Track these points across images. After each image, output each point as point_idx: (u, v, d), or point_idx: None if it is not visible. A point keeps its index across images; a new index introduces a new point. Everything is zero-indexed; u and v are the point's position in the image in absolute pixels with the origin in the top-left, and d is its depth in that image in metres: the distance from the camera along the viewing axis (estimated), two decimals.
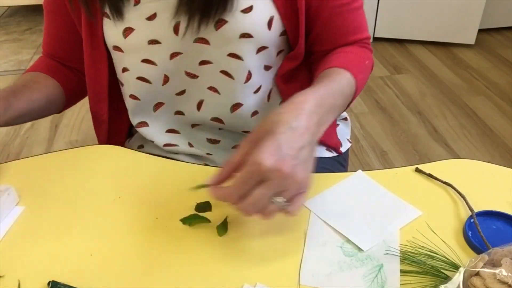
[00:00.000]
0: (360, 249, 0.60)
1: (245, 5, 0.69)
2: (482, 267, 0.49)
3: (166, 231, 0.63)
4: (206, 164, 0.86)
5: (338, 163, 0.89)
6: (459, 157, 1.75)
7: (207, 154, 0.87)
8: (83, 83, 0.86)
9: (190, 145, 0.87)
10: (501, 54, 2.74)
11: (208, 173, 0.72)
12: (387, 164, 1.88)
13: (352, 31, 0.78)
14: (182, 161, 0.83)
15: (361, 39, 0.80)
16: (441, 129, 2.09)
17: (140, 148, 0.89)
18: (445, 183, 0.70)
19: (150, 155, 0.78)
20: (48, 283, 0.55)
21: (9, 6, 3.53)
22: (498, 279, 0.47)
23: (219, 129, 0.85)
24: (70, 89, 0.87)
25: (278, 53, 0.78)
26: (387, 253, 0.59)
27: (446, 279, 0.54)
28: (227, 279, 0.56)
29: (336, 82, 0.66)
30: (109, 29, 0.75)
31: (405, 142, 2.01)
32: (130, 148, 0.89)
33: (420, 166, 0.73)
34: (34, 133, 2.10)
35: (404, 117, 2.18)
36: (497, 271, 0.48)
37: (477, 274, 0.49)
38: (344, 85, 0.68)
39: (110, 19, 0.73)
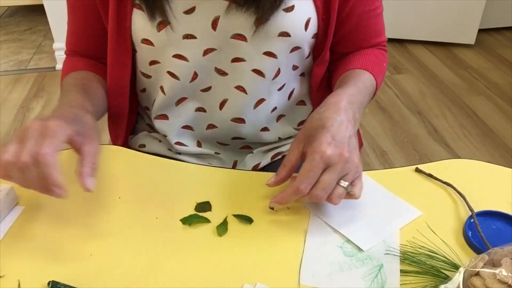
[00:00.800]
0: (360, 249, 0.60)
1: (288, 4, 0.70)
2: (482, 267, 0.49)
3: (166, 231, 0.63)
4: (210, 164, 0.86)
5: None
6: (459, 157, 1.75)
7: (215, 153, 0.88)
8: None
9: (199, 144, 0.87)
10: (501, 54, 2.74)
11: (210, 173, 0.73)
12: (387, 164, 1.88)
13: (374, 35, 0.82)
14: (184, 161, 0.83)
15: (380, 42, 0.84)
16: (441, 129, 2.09)
17: (141, 147, 0.89)
18: (445, 183, 0.70)
19: (150, 155, 0.77)
20: (48, 283, 0.55)
21: (9, 6, 3.53)
22: (498, 279, 0.47)
23: (232, 138, 0.85)
24: None
25: (308, 56, 0.79)
26: (387, 253, 0.59)
27: (446, 279, 0.54)
28: (227, 279, 0.56)
29: (362, 82, 0.73)
30: (140, 22, 0.72)
31: (405, 142, 2.01)
32: (130, 146, 0.89)
33: (420, 166, 0.73)
34: None
35: (404, 117, 2.18)
36: (497, 271, 0.48)
37: (477, 274, 0.49)
38: (368, 85, 0.75)
39: (142, 11, 0.71)
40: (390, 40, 2.86)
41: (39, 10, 3.27)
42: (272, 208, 0.65)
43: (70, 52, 0.86)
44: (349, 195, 0.61)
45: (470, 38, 2.77)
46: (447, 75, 2.52)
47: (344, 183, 0.60)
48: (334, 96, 0.66)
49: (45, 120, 0.58)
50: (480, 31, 2.80)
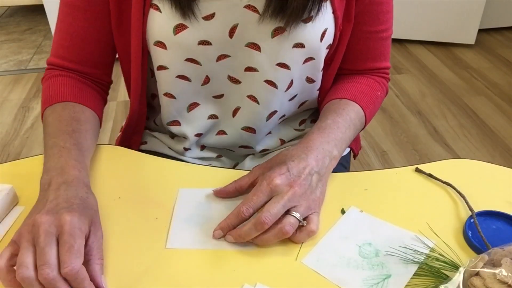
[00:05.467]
0: (377, 255, 0.59)
1: (306, 15, 0.68)
2: (482, 267, 0.49)
3: (166, 231, 0.63)
4: (210, 165, 0.86)
5: (341, 165, 0.89)
6: (459, 157, 1.75)
7: (217, 156, 0.88)
8: (103, 98, 0.81)
9: (203, 148, 0.87)
10: (501, 54, 2.74)
11: (211, 173, 0.73)
12: (387, 164, 1.88)
13: (373, 58, 0.80)
14: (186, 161, 0.83)
15: (380, 68, 0.81)
16: (441, 129, 2.09)
17: (143, 144, 0.89)
18: (445, 183, 0.70)
19: (151, 155, 0.77)
20: None
21: (9, 6, 3.53)
22: (498, 279, 0.47)
23: (239, 146, 0.85)
24: (100, 112, 0.79)
25: (322, 68, 0.77)
26: (404, 262, 0.58)
27: (446, 279, 0.54)
28: (227, 279, 0.56)
29: (343, 117, 0.72)
30: (157, 23, 0.69)
31: (405, 142, 2.01)
32: (132, 143, 0.88)
33: (420, 166, 0.73)
34: (34, 133, 2.10)
35: (404, 117, 2.18)
36: (497, 271, 0.48)
37: (477, 274, 0.49)
38: (353, 117, 0.74)
39: (160, 12, 0.68)
40: None
41: (39, 10, 3.28)
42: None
43: (57, 59, 0.76)
44: (304, 228, 0.59)
45: (470, 38, 2.77)
46: (447, 75, 2.52)
47: (295, 214, 0.59)
48: (309, 135, 0.67)
49: (56, 216, 0.52)
50: (480, 31, 2.80)
